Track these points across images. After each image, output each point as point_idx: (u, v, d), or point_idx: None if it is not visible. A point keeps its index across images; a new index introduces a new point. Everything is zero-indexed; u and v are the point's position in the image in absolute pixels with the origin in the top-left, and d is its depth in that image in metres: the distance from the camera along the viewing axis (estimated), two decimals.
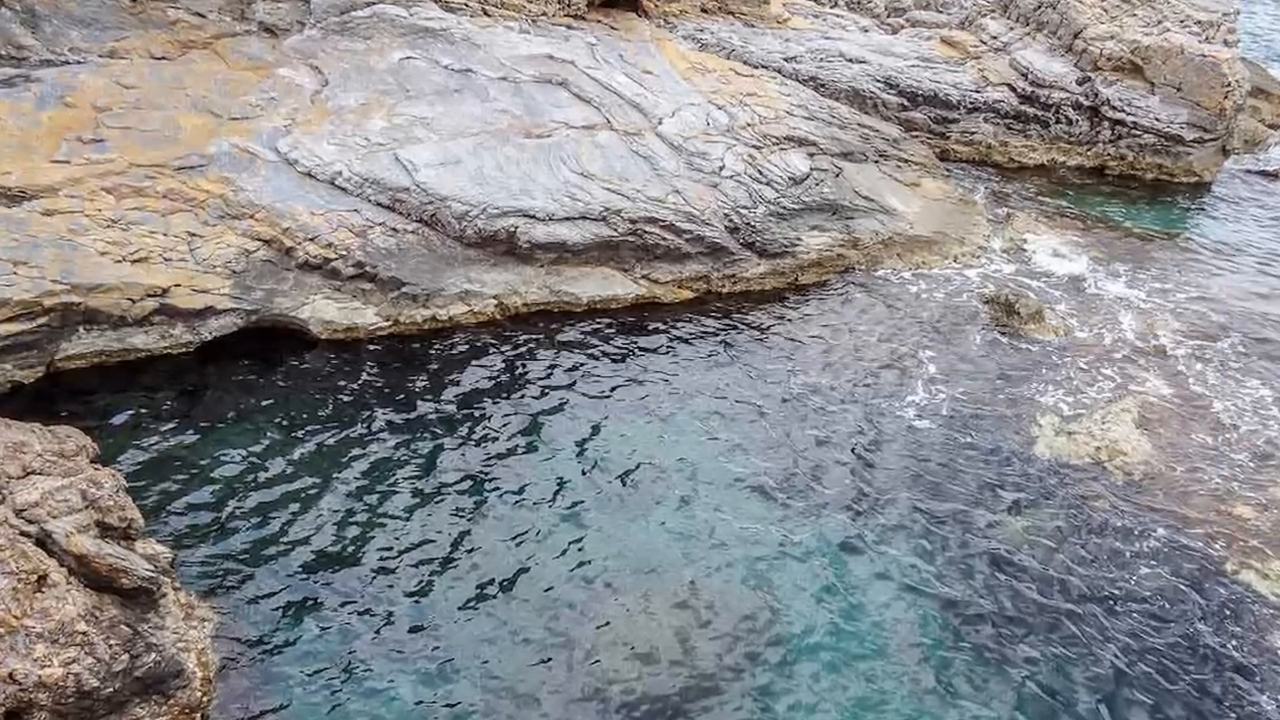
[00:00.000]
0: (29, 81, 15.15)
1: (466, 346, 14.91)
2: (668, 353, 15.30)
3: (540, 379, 14.32)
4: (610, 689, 9.75)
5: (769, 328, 16.28)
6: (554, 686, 9.73)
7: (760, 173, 18.49)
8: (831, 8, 29.61)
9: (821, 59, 25.22)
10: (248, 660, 9.67)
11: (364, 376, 13.95)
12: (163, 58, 16.67)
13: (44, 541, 8.40)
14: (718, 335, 15.93)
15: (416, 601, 10.54)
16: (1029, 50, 25.76)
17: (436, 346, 14.81)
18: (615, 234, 16.43)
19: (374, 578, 10.75)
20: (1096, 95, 24.35)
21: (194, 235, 14.14)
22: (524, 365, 14.61)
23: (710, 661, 10.13)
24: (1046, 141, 24.75)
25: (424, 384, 13.94)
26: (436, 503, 11.89)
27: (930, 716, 9.88)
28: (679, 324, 16.11)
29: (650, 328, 15.92)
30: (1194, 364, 16.19)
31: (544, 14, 21.46)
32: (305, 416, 13.03)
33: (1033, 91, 24.65)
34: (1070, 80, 24.71)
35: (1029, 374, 15.56)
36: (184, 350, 13.68)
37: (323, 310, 14.51)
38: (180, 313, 13.55)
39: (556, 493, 12.22)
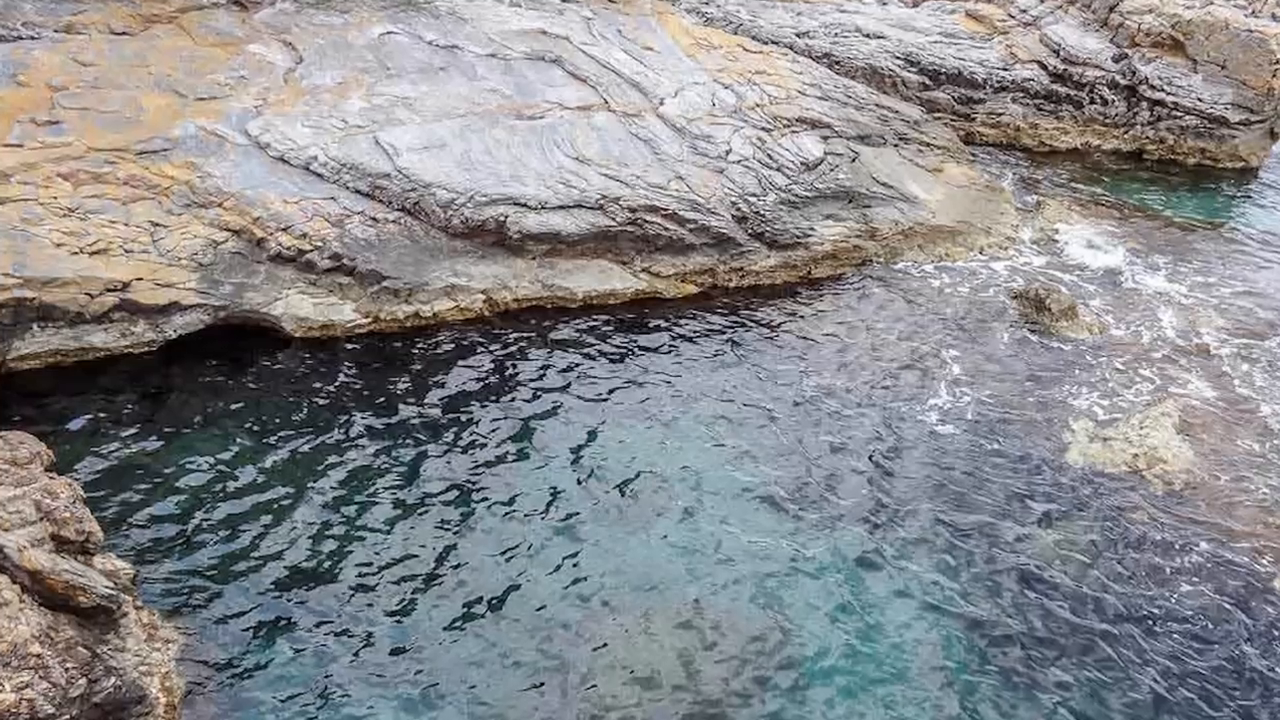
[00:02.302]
0: None
1: (452, 345, 14.91)
2: (670, 352, 15.31)
3: (532, 380, 14.32)
4: (608, 716, 9.75)
5: (779, 325, 16.28)
6: (547, 713, 9.73)
7: (770, 157, 18.50)
8: None
9: (836, 34, 25.24)
10: (216, 685, 9.67)
11: (341, 378, 13.95)
12: (124, 33, 16.67)
13: None
14: (724, 333, 15.94)
15: (398, 621, 10.54)
16: (1061, 25, 25.77)
17: (420, 345, 14.81)
18: (613, 223, 16.44)
19: (352, 595, 10.75)
20: (1134, 73, 24.36)
21: (157, 225, 14.14)
22: (515, 365, 14.61)
23: (716, 686, 10.13)
24: (1080, 123, 24.78)
25: (406, 386, 13.95)
26: (420, 514, 11.89)
27: None
28: (682, 321, 16.12)
29: (651, 325, 15.92)
30: (1240, 364, 16.20)
31: None
32: (278, 421, 13.03)
33: (1065, 69, 24.67)
34: (1105, 57, 24.72)
35: (1061, 375, 15.57)
36: (146, 349, 13.69)
37: (297, 306, 14.52)
38: (142, 309, 13.55)
39: (550, 503, 12.22)
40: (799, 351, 15.62)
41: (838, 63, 24.10)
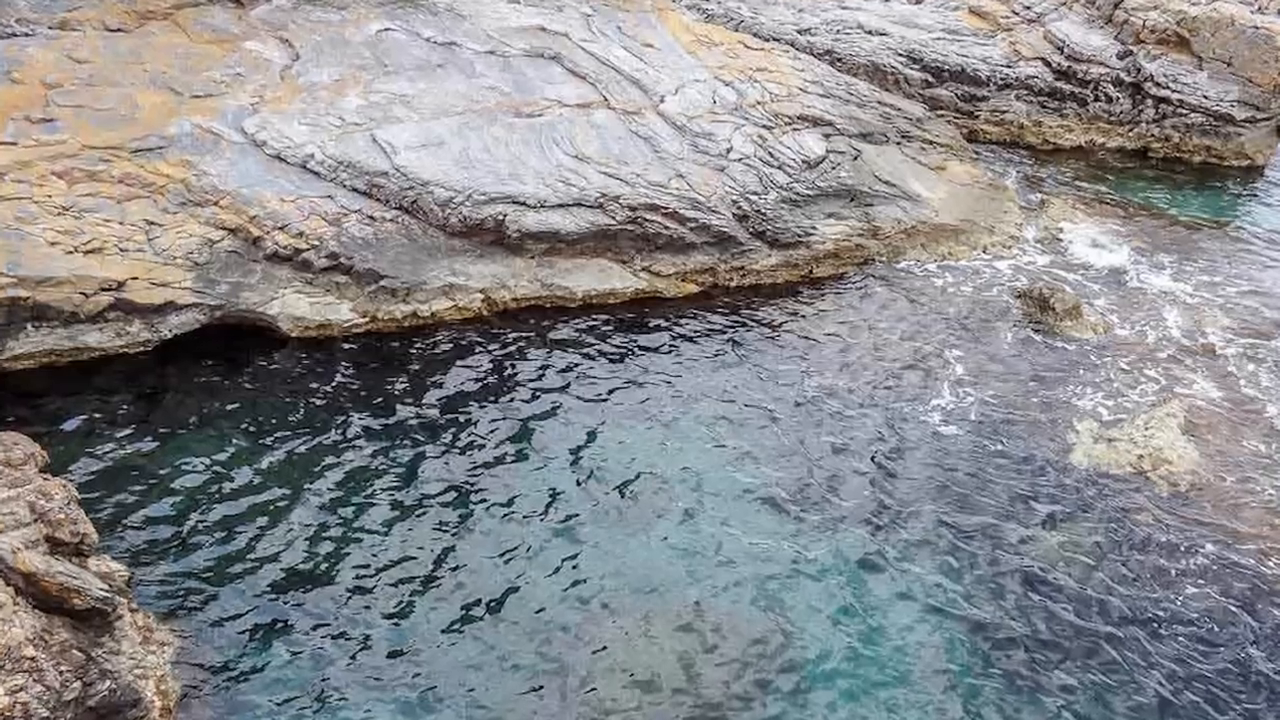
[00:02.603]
0: None
1: (450, 345, 14.90)
2: (670, 352, 15.30)
3: (531, 381, 14.32)
4: (607, 719, 9.75)
5: (781, 325, 16.28)
6: (546, 716, 9.73)
7: (771, 155, 18.50)
8: None
9: (838, 31, 25.25)
10: (211, 688, 9.67)
11: (338, 378, 13.95)
12: (118, 29, 16.67)
13: None
14: (725, 333, 15.93)
15: (396, 624, 10.54)
16: (1065, 21, 25.77)
17: (418, 345, 14.81)
18: (613, 222, 16.44)
19: (349, 598, 10.75)
20: (1139, 70, 24.35)
21: (153, 224, 14.14)
22: (513, 366, 14.61)
23: (717, 690, 10.13)
24: (1084, 121, 24.77)
25: (404, 386, 13.94)
26: (418, 516, 11.88)
27: None
28: (683, 320, 16.11)
29: (651, 325, 15.92)
30: (1245, 364, 16.19)
31: None
32: (274, 422, 13.02)
33: (1069, 66, 24.66)
34: (1110, 54, 24.72)
35: (1065, 375, 15.56)
36: (142, 349, 13.68)
37: (293, 305, 14.52)
38: (138, 308, 13.55)
39: (549, 505, 12.22)
40: (800, 351, 15.61)
41: (839, 60, 24.10)
